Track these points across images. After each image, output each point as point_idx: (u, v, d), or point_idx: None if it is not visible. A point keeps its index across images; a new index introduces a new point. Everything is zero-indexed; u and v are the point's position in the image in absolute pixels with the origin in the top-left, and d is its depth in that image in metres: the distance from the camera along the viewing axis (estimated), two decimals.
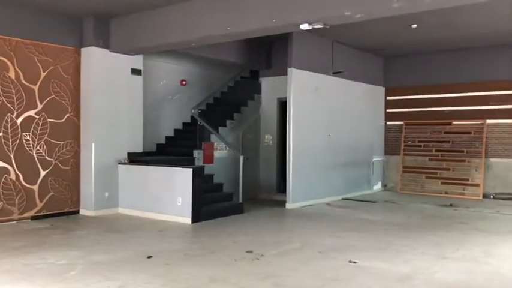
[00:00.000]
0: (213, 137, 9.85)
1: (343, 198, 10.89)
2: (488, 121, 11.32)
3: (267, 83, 11.32)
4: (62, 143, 8.41)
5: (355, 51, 11.57)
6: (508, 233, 7.21)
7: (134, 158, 8.89)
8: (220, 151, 9.99)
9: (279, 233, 7.26)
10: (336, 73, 10.73)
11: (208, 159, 9.41)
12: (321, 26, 6.42)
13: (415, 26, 9.26)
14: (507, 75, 10.96)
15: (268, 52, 11.22)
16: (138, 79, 9.08)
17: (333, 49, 10.69)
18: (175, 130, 10.71)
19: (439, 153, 11.91)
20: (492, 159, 11.27)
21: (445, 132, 11.88)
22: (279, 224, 8.20)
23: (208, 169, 9.19)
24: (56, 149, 8.31)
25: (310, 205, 9.83)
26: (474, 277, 4.96)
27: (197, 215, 7.87)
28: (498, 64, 11.08)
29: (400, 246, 6.26)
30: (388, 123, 12.93)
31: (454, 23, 9.11)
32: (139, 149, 9.11)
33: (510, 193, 10.91)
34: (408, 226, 7.78)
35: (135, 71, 9.00)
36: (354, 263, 5.44)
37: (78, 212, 8.59)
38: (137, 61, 9.04)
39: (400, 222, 8.13)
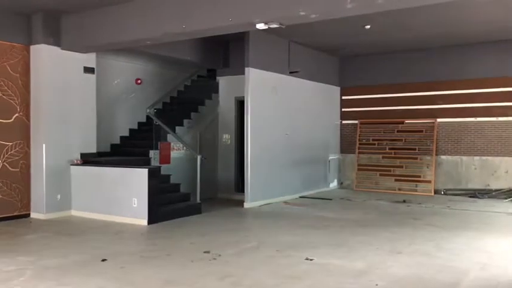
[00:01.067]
0: (170, 137, 9.72)
1: (300, 196, 11.00)
2: (439, 120, 11.72)
3: (224, 82, 11.28)
4: (11, 143, 8.08)
5: (312, 51, 11.72)
6: (458, 227, 7.48)
7: (87, 159, 8.65)
8: (177, 151, 9.87)
9: (236, 232, 7.24)
10: (292, 73, 10.82)
11: (165, 159, 9.28)
12: (277, 26, 6.46)
13: (368, 27, 9.48)
14: (457, 75, 11.39)
15: (226, 51, 11.18)
16: (91, 78, 8.84)
17: (289, 49, 10.78)
18: (131, 130, 10.51)
19: (393, 151, 12.24)
20: (442, 157, 11.68)
21: (398, 131, 12.22)
22: (237, 224, 8.19)
23: (165, 169, 9.06)
24: (4, 150, 7.97)
25: (268, 204, 9.87)
26: (426, 270, 5.11)
27: (153, 216, 7.74)
28: (448, 64, 11.50)
29: (356, 243, 6.37)
30: (344, 122, 13.17)
31: (406, 24, 9.38)
32: (92, 149, 8.87)
33: (460, 189, 11.35)
34: (363, 222, 7.94)
35: (88, 70, 8.75)
36: (311, 260, 5.49)
37: (28, 215, 8.28)
38: (90, 59, 8.79)
39: (356, 219, 8.29)
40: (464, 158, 11.42)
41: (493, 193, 10.82)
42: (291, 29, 8.14)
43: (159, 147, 9.35)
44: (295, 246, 6.20)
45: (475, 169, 11.29)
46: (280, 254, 5.79)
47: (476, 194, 10.94)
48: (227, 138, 11.27)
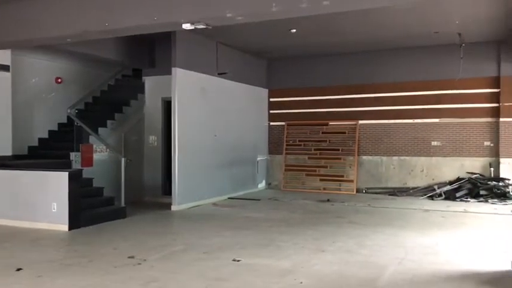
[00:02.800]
0: (92, 139, 9.34)
1: (229, 198, 11.01)
2: (360, 122, 12.23)
3: (150, 82, 11.03)
4: None
5: (240, 53, 11.79)
6: (378, 224, 7.83)
7: (2, 162, 8.09)
8: (101, 153, 9.51)
9: (163, 236, 7.10)
10: (220, 74, 10.82)
11: (87, 161, 8.90)
12: (204, 27, 6.42)
13: (294, 30, 9.69)
14: (378, 79, 11.95)
15: (152, 50, 10.94)
16: (6, 76, 8.30)
17: (217, 50, 10.77)
18: (50, 131, 9.98)
19: (318, 151, 12.61)
20: (364, 157, 12.20)
21: (323, 132, 12.61)
22: (164, 227, 8.03)
23: (87, 172, 8.69)
24: None
25: (196, 206, 9.78)
26: (348, 267, 5.30)
27: (75, 222, 7.40)
28: (371, 68, 12.04)
29: (282, 242, 6.48)
30: (272, 123, 13.37)
31: (330, 29, 9.70)
32: (7, 151, 8.32)
33: (380, 187, 11.91)
34: (290, 222, 8.09)
35: (2, 67, 8.21)
36: (238, 261, 5.51)
37: None
38: (4, 56, 8.25)
39: (283, 219, 8.44)
40: (384, 158, 12.01)
41: (411, 191, 11.46)
42: (219, 30, 8.14)
43: (80, 150, 8.95)
44: (223, 247, 6.19)
45: (394, 168, 11.90)
46: (207, 256, 5.75)
47: (395, 192, 11.53)
48: (153, 139, 11.03)
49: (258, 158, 12.83)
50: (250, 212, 9.21)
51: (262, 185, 13.00)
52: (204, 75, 10.30)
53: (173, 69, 9.47)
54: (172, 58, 9.49)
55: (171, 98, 9.59)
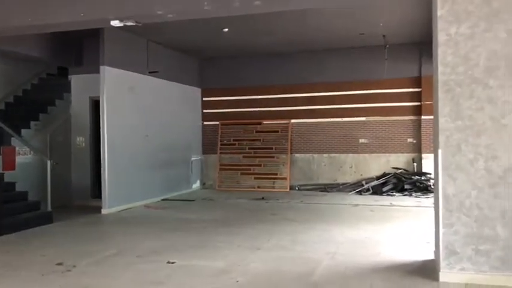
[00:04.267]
0: (15, 141, 8.80)
1: (162, 199, 10.81)
2: (293, 121, 12.47)
3: (77, 81, 10.57)
4: None
5: (171, 52, 11.61)
6: (311, 220, 8.02)
7: None
8: (24, 156, 8.97)
9: (94, 241, 6.83)
10: (151, 73, 10.59)
11: (9, 165, 8.36)
12: (133, 24, 6.26)
13: (226, 29, 9.69)
14: (310, 78, 12.23)
15: (79, 48, 10.48)
16: None
17: (148, 48, 10.53)
18: None
19: (252, 150, 12.71)
20: (296, 155, 12.46)
21: (257, 131, 12.73)
22: (95, 232, 7.73)
23: (10, 176, 8.18)
24: None
25: (128, 209, 9.51)
26: (283, 263, 5.39)
27: None
28: (303, 68, 12.29)
29: (218, 242, 6.45)
30: (205, 123, 13.29)
31: (263, 29, 9.79)
32: None
33: (312, 184, 12.21)
34: (226, 222, 8.09)
35: None
36: (173, 263, 5.42)
37: None
38: None
39: (218, 219, 8.41)
40: (316, 155, 12.33)
41: (340, 187, 11.85)
42: (150, 28, 7.98)
43: (1, 153, 8.40)
44: (157, 250, 6.06)
45: (325, 165, 12.26)
46: (141, 260, 5.61)
47: (326, 188, 11.88)
48: (81, 140, 10.59)
49: (192, 158, 12.71)
50: (184, 213, 9.11)
51: (196, 185, 12.89)
52: (135, 73, 10.03)
53: (102, 67, 9.14)
54: (101, 56, 9.16)
55: (99, 97, 9.25)
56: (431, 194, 10.65)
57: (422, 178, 11.17)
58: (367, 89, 11.81)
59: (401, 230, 7.15)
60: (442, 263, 4.59)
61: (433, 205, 9.33)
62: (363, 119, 11.95)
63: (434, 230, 5.32)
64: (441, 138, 4.61)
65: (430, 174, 11.23)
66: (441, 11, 4.60)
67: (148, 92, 10.55)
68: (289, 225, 7.65)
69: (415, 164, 11.55)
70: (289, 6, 6.46)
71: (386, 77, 11.46)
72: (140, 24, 6.38)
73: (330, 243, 6.29)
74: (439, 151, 4.62)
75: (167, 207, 9.91)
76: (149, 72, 10.54)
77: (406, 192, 10.94)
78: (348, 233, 6.97)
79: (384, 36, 10.52)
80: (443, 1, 4.59)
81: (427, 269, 5.01)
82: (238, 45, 11.43)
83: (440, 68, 4.61)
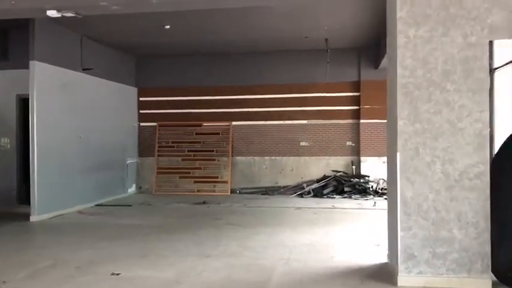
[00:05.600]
0: None
1: (97, 205, 10.15)
2: (234, 123, 12.25)
3: (2, 77, 9.68)
4: None
5: (107, 49, 10.99)
6: (257, 224, 7.83)
7: None
8: None
9: (24, 251, 6.19)
10: (86, 70, 9.94)
11: None
12: (73, 15, 5.78)
13: (168, 27, 9.29)
14: (252, 80, 12.06)
15: (4, 40, 9.59)
16: None
17: (82, 44, 9.86)
18: None
19: (192, 153, 12.33)
20: (238, 158, 12.24)
21: (197, 133, 12.37)
22: (24, 241, 7.04)
23: None
24: None
25: (60, 215, 8.80)
26: (236, 271, 5.13)
27: None
28: (245, 70, 12.09)
29: (163, 250, 6.07)
30: (142, 124, 12.72)
31: (205, 27, 9.48)
32: None
33: (253, 187, 12.05)
34: (168, 228, 7.69)
35: None
36: (117, 274, 5.00)
37: None
38: None
39: (159, 225, 7.99)
40: (257, 158, 12.19)
41: (282, 190, 11.79)
42: (85, 23, 7.43)
43: None
44: (97, 261, 5.58)
45: (266, 168, 12.15)
46: (81, 272, 5.12)
47: (267, 191, 11.77)
48: (6, 142, 9.72)
49: (128, 161, 12.11)
50: (122, 219, 8.58)
51: (132, 189, 12.29)
52: (67, 70, 9.34)
53: (31, 62, 8.39)
54: (30, 50, 8.41)
55: (28, 94, 8.50)
56: (370, 196, 10.88)
57: (361, 181, 11.37)
58: (308, 92, 11.86)
59: (349, 233, 7.14)
60: (400, 267, 4.56)
61: (373, 207, 9.65)
62: (304, 122, 11.98)
63: (388, 233, 5.33)
64: (399, 142, 4.59)
65: (368, 176, 11.48)
66: (400, 13, 4.58)
67: (82, 91, 9.87)
68: (236, 230, 7.40)
69: (354, 166, 11.74)
70: (228, 4, 6.23)
71: (327, 81, 11.56)
72: (80, 16, 5.91)
73: (281, 248, 6.12)
74: (398, 154, 4.59)
75: (102, 213, 9.31)
76: (83, 70, 9.88)
77: (346, 195, 11.08)
78: (296, 237, 6.85)
79: (326, 40, 10.60)
80: (403, 3, 4.57)
81: (383, 273, 4.97)
82: (180, 44, 11.03)
83: (399, 71, 4.59)
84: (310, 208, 9.52)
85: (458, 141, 4.48)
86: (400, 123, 4.59)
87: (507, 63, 5.87)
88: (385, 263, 5.32)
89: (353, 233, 7.18)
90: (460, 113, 4.48)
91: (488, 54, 4.49)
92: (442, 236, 4.49)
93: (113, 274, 5.01)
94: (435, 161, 4.51)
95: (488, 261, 4.42)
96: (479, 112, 4.46)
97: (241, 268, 5.26)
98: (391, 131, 4.90)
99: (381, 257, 5.56)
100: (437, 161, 4.51)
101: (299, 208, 9.54)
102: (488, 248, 4.42)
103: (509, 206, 4.47)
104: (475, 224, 4.45)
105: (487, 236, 4.42)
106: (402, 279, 4.55)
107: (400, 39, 4.59)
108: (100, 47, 10.66)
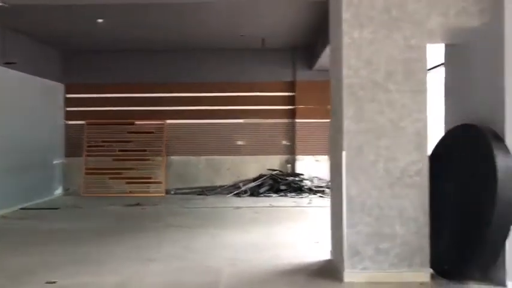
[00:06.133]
0: None
1: (21, 208, 9.49)
2: (168, 121, 11.98)
3: None
4: None
5: (32, 42, 10.31)
6: (198, 225, 7.68)
7: None
8: None
9: None
10: (7, 64, 9.25)
11: None
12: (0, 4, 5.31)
13: (100, 21, 8.89)
14: (188, 78, 11.85)
15: None
16: None
17: (4, 37, 9.18)
18: None
19: (123, 153, 11.89)
20: (173, 157, 11.99)
21: (129, 132, 11.95)
22: None
23: None
24: None
25: None
26: (183, 274, 5.00)
27: None
28: (181, 67, 11.85)
29: (101, 255, 5.79)
30: (69, 122, 12.08)
31: (139, 22, 9.18)
32: None
33: (189, 187, 11.85)
34: (103, 231, 7.34)
35: None
36: (53, 283, 4.68)
37: None
38: None
39: (93, 228, 7.61)
40: (193, 157, 12.01)
41: (218, 189, 11.70)
42: (8, 13, 6.90)
43: None
44: (30, 269, 5.19)
45: (202, 168, 12.00)
46: (14, 282, 4.74)
47: (204, 191, 11.62)
48: None
49: (54, 162, 11.44)
50: (51, 224, 8.08)
51: (58, 191, 11.62)
52: None
53: None
54: None
55: None
56: (305, 194, 11.10)
57: (297, 179, 11.56)
58: (244, 91, 11.87)
59: (289, 231, 7.21)
60: (346, 263, 4.66)
61: (309, 205, 9.84)
62: (241, 121, 11.98)
63: (331, 230, 5.44)
64: (345, 140, 4.68)
65: (303, 175, 11.70)
66: (346, 15, 4.68)
67: (3, 86, 9.18)
68: (176, 231, 7.22)
69: (289, 165, 11.92)
70: None
71: (263, 80, 11.64)
72: (7, 5, 5.46)
73: (226, 249, 6.05)
74: (343, 153, 4.68)
75: (29, 217, 8.72)
76: (4, 63, 9.19)
77: (282, 193, 11.21)
78: (240, 236, 6.81)
79: (263, 39, 10.64)
80: (348, 5, 4.67)
81: (328, 270, 5.07)
82: (112, 39, 10.59)
83: (344, 71, 4.68)
84: (249, 207, 9.53)
85: (399, 140, 4.66)
86: (345, 122, 4.69)
87: (437, 66, 6.21)
88: (328, 260, 5.43)
89: (293, 231, 7.26)
90: (401, 113, 4.66)
91: (426, 56, 4.71)
92: (385, 232, 4.65)
93: (48, 283, 4.68)
94: (378, 160, 4.66)
95: (427, 254, 4.63)
96: (419, 112, 4.66)
97: (188, 271, 5.13)
98: (336, 130, 4.99)
99: (322, 254, 5.65)
100: (381, 159, 4.66)
101: (238, 208, 9.51)
102: (427, 242, 4.63)
103: (442, 202, 4.72)
104: (415, 219, 4.64)
105: (426, 230, 4.64)
106: (348, 275, 4.65)
107: (345, 40, 4.69)
108: (25, 40, 9.98)
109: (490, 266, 4.38)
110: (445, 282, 4.54)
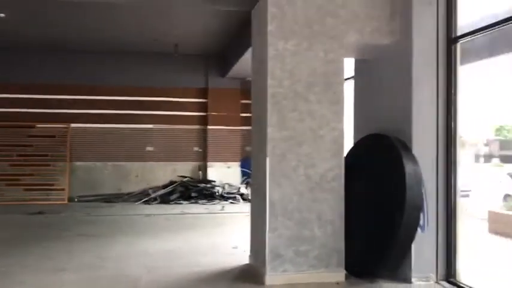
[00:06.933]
0: None
1: None
2: (73, 125, 11.39)
3: None
4: None
5: None
6: (109, 234, 7.38)
7: None
8: None
9: None
10: None
11: None
12: None
13: (2, 15, 8.27)
14: (95, 80, 11.40)
15: None
16: None
17: None
18: None
19: (22, 158, 11.09)
20: (77, 163, 11.41)
21: (29, 136, 11.19)
22: None
23: None
24: None
25: None
26: (100, 284, 4.80)
27: None
28: (87, 69, 11.35)
29: (7, 267, 5.34)
30: None
31: (43, 20, 8.71)
32: None
33: (94, 195, 11.34)
34: (7, 241, 6.77)
35: None
36: None
37: None
38: None
39: None
40: (99, 163, 11.54)
41: (125, 197, 11.34)
42: None
43: None
44: None
45: (109, 174, 11.57)
46: None
47: (110, 199, 11.18)
48: None
49: None
50: None
51: None
52: None
53: None
54: None
55: None
56: (217, 201, 11.16)
57: (208, 186, 11.58)
58: (155, 96, 11.68)
59: (205, 237, 7.21)
60: (268, 267, 4.79)
61: (221, 211, 9.92)
62: (151, 126, 11.76)
63: (251, 235, 5.56)
64: (269, 147, 4.83)
65: (215, 181, 11.75)
66: (270, 27, 4.85)
67: None
68: (86, 240, 6.90)
69: (200, 172, 11.91)
70: None
71: (175, 86, 11.55)
72: None
73: (143, 257, 5.89)
74: (267, 159, 4.82)
75: None
76: None
77: (193, 200, 11.16)
78: (156, 244, 6.67)
79: (176, 45, 10.56)
80: (272, 17, 4.85)
81: (249, 274, 5.16)
82: (12, 35, 9.85)
83: (269, 81, 4.84)
84: (160, 215, 9.36)
85: (318, 147, 4.91)
86: (269, 130, 4.84)
87: (348, 78, 6.66)
88: (248, 264, 5.53)
89: (209, 237, 7.27)
90: (320, 122, 4.92)
91: (344, 70, 5.03)
92: (305, 234, 4.86)
93: None
94: (299, 166, 4.87)
95: (342, 255, 4.91)
96: (336, 122, 4.96)
97: (105, 280, 4.93)
98: (260, 137, 5.12)
99: (241, 259, 5.73)
100: (301, 165, 4.87)
101: (149, 215, 9.30)
102: (342, 244, 4.92)
103: (354, 206, 5.04)
104: (332, 222, 4.91)
105: (341, 232, 4.93)
106: (269, 278, 4.78)
107: (270, 52, 4.85)
108: None
109: (398, 265, 4.77)
110: (358, 281, 4.84)
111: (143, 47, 10.97)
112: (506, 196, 11.05)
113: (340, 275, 4.88)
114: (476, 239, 7.14)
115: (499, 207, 10.13)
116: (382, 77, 5.34)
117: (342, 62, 5.02)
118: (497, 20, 4.52)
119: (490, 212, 8.31)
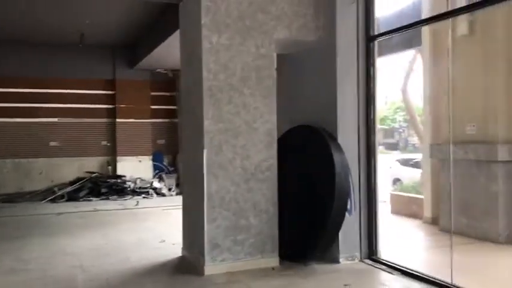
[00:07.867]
0: None
1: None
2: None
3: None
4: None
5: None
6: (22, 235, 6.91)
7: None
8: None
9: None
10: None
11: None
12: None
13: None
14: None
15: None
16: None
17: None
18: None
19: None
20: None
21: None
22: None
23: None
24: None
25: None
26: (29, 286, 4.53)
27: None
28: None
29: None
30: None
31: None
32: None
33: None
34: None
35: None
36: None
37: None
38: None
39: None
40: None
41: (28, 196, 10.59)
42: None
43: None
44: None
45: (8, 172, 10.72)
46: None
47: (11, 198, 10.37)
48: None
49: None
50: None
51: None
52: None
53: None
54: None
55: None
56: (129, 196, 10.86)
57: (119, 181, 11.22)
58: (60, 88, 11.01)
59: (128, 233, 7.05)
60: (207, 257, 4.86)
61: (136, 206, 9.70)
62: (55, 120, 11.07)
63: (185, 227, 5.58)
64: (206, 140, 4.89)
65: (125, 176, 11.41)
66: (204, 20, 4.89)
67: None
68: None
69: (110, 167, 11.49)
70: None
71: (81, 77, 10.98)
72: None
73: (67, 256, 5.64)
74: (204, 151, 4.88)
75: None
76: None
77: (104, 196, 10.75)
78: (76, 242, 6.39)
79: (82, 34, 10.04)
80: (207, 11, 4.89)
81: (185, 266, 5.19)
82: None
83: (204, 74, 4.89)
84: (72, 213, 8.93)
85: (253, 139, 5.07)
86: (205, 122, 4.89)
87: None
88: (181, 257, 5.55)
89: (131, 233, 7.11)
90: (254, 115, 5.08)
91: (274, 64, 5.24)
92: (241, 224, 5.01)
93: None
94: (235, 157, 5.00)
95: (276, 241, 5.15)
96: (268, 114, 5.15)
97: (37, 283, 4.66)
98: (196, 129, 5.14)
99: (171, 252, 5.72)
100: (237, 157, 5.00)
101: (60, 214, 8.82)
102: (276, 231, 5.15)
103: (284, 194, 5.29)
104: (266, 211, 5.12)
105: (275, 220, 5.15)
106: (208, 268, 4.85)
107: (205, 45, 4.90)
108: None
109: (328, 248, 5.13)
110: (292, 265, 5.10)
111: (48, 37, 10.26)
112: (396, 180, 12.17)
113: (275, 260, 5.11)
114: (384, 219, 7.83)
115: (392, 190, 11.05)
116: (308, 71, 5.64)
117: (273, 56, 5.22)
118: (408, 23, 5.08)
119: (391, 195, 9.11)
